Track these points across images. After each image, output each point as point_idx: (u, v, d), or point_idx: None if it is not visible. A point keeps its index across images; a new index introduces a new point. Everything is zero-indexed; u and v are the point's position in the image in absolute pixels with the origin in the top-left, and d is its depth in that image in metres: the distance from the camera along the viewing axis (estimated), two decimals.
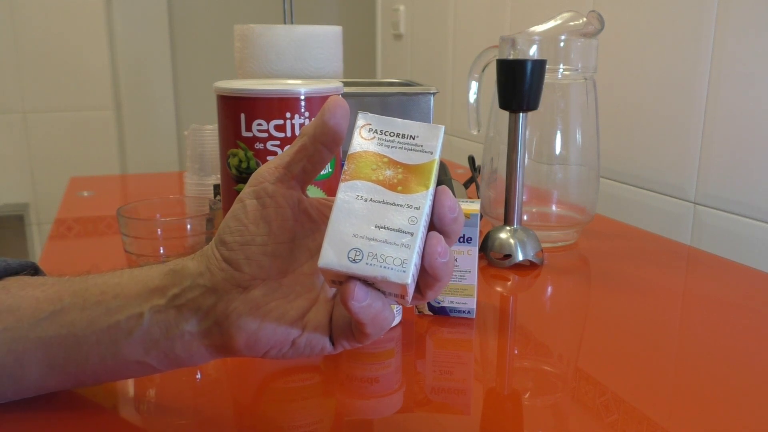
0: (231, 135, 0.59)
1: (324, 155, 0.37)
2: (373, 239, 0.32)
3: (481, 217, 0.85)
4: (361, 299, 0.32)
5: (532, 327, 0.60)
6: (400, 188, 0.33)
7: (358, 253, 0.32)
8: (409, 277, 0.31)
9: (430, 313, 0.62)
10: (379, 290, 0.33)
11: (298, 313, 0.38)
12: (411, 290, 0.33)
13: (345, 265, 0.32)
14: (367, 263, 0.32)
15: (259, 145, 0.58)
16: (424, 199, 0.33)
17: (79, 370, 0.42)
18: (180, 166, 2.25)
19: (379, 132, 0.35)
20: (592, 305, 0.67)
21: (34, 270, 0.49)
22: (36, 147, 2.09)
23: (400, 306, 0.59)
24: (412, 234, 0.32)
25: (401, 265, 0.31)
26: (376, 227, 0.32)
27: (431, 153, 0.34)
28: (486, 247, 0.76)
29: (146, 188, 1.25)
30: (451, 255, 0.34)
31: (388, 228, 0.32)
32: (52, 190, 2.03)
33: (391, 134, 0.35)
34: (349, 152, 0.34)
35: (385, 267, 0.31)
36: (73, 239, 0.87)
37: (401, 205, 0.33)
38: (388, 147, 0.35)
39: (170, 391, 0.48)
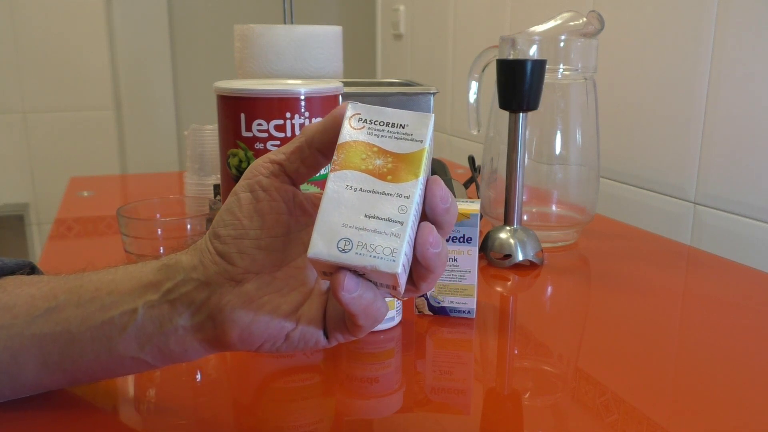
0: (231, 135, 0.59)
1: (319, 160, 0.37)
2: (363, 229, 0.32)
3: (481, 217, 0.85)
4: (351, 290, 0.32)
5: (532, 327, 0.60)
6: (389, 177, 0.33)
7: (347, 243, 0.32)
8: (399, 267, 0.31)
9: (430, 313, 0.62)
10: (370, 281, 0.33)
11: (291, 306, 0.38)
12: (402, 281, 0.32)
13: (334, 255, 0.31)
14: (356, 253, 0.31)
15: (259, 145, 0.58)
16: (413, 187, 0.33)
17: (75, 367, 0.42)
18: (180, 166, 2.25)
19: (368, 121, 0.35)
20: (592, 305, 0.67)
21: (30, 269, 0.49)
22: (36, 147, 2.09)
23: (401, 306, 0.59)
24: (401, 223, 0.32)
25: (391, 254, 0.31)
26: (365, 217, 0.32)
27: (421, 141, 0.34)
28: (486, 247, 0.76)
29: (146, 188, 1.25)
30: (445, 246, 0.34)
31: (377, 217, 0.32)
32: (52, 190, 2.03)
33: (381, 123, 0.35)
34: (339, 142, 0.34)
35: (374, 256, 0.31)
36: (73, 239, 0.86)
37: (391, 195, 0.33)
38: (378, 136, 0.34)
39: (170, 391, 0.48)
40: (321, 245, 0.32)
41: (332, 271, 0.33)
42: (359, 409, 0.47)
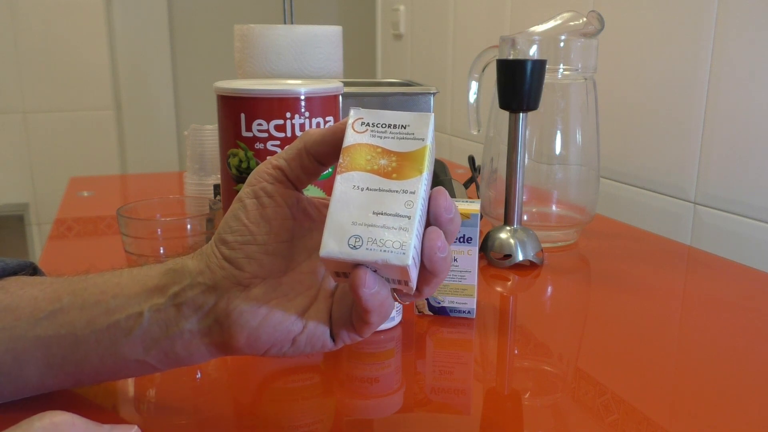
0: (231, 135, 0.59)
1: (317, 168, 0.38)
2: (372, 225, 0.33)
3: (481, 217, 0.85)
4: (371, 286, 0.33)
5: (532, 327, 0.60)
6: (395, 175, 0.34)
7: (357, 240, 0.32)
8: (409, 259, 0.32)
9: (430, 313, 0.62)
10: (382, 277, 0.34)
11: (298, 310, 0.38)
12: (413, 274, 0.33)
13: (346, 252, 0.32)
14: (367, 248, 0.32)
15: (259, 145, 0.58)
16: (418, 183, 0.34)
17: (78, 370, 0.42)
18: (180, 166, 2.25)
19: (371, 124, 0.36)
20: (592, 305, 0.67)
21: (32, 270, 0.49)
22: (36, 147, 2.09)
23: (401, 306, 0.59)
24: (409, 217, 0.33)
25: (401, 247, 0.32)
26: (373, 213, 0.33)
27: (423, 140, 0.35)
28: (486, 247, 0.76)
29: (146, 188, 1.25)
30: (449, 251, 0.35)
31: (385, 213, 0.33)
32: (52, 190, 2.03)
33: (383, 125, 0.36)
34: (343, 146, 0.35)
35: (385, 251, 0.32)
36: (73, 239, 0.86)
37: (397, 191, 0.34)
38: (381, 138, 0.35)
39: (170, 391, 0.48)
40: (332, 244, 0.33)
41: (345, 270, 0.34)
42: (359, 409, 0.47)
